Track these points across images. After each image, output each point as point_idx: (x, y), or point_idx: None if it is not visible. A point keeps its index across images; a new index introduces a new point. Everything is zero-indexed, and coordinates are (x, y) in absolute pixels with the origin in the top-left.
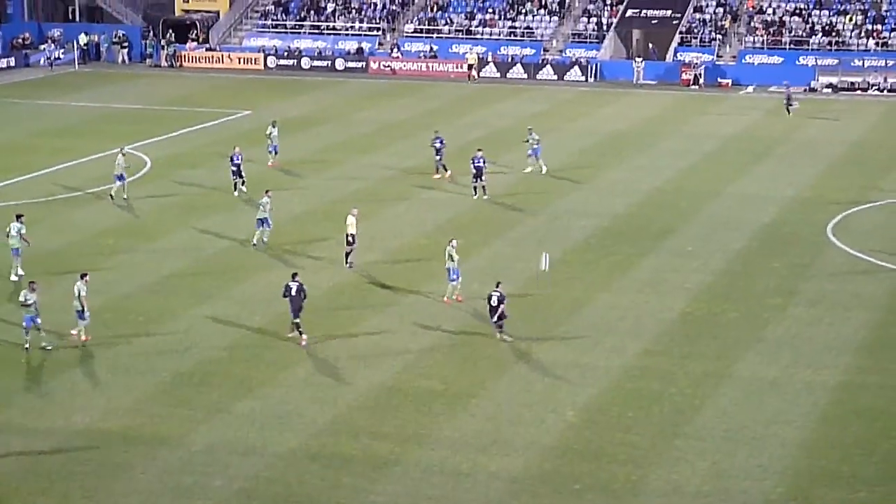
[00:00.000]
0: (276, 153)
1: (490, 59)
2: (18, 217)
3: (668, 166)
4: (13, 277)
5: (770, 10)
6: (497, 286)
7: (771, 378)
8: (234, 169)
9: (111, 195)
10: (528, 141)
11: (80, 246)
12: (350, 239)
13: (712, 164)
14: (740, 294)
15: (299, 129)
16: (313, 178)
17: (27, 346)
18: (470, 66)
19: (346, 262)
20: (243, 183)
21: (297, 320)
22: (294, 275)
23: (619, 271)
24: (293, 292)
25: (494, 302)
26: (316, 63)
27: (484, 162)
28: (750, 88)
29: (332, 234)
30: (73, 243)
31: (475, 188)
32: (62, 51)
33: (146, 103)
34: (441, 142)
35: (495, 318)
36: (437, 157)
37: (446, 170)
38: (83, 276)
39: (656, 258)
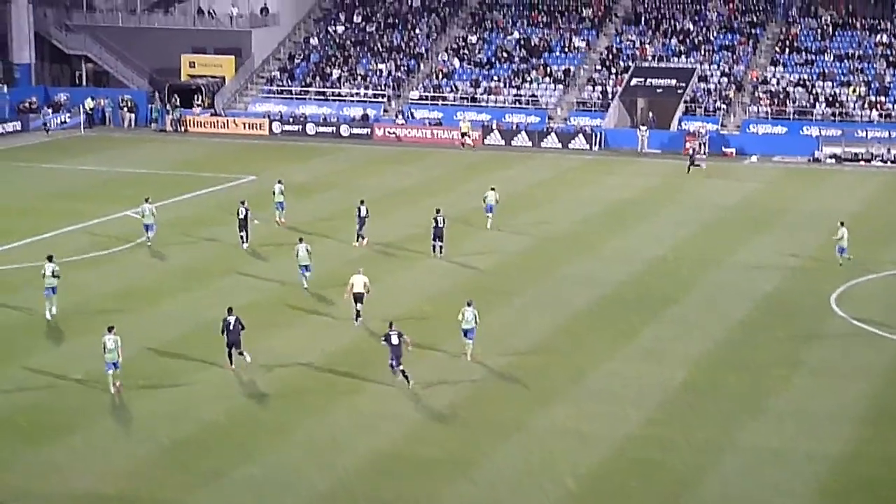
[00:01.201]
0: (282, 209)
1: (495, 126)
2: (50, 258)
3: (670, 235)
4: (48, 316)
5: (774, 81)
6: (391, 326)
7: (773, 448)
8: (240, 222)
9: (148, 244)
10: (485, 200)
11: (83, 309)
12: (358, 297)
13: (715, 232)
14: (743, 363)
15: (304, 195)
16: (317, 244)
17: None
18: (463, 134)
19: (357, 320)
20: (247, 238)
21: (241, 350)
22: (230, 310)
23: (622, 339)
24: (231, 326)
25: (396, 340)
26: (321, 129)
27: (444, 222)
28: (754, 158)
29: (336, 298)
30: (76, 305)
31: (434, 248)
32: (68, 115)
33: (151, 167)
34: (365, 211)
35: (397, 362)
36: (358, 227)
37: (362, 238)
38: (110, 328)
39: (658, 326)
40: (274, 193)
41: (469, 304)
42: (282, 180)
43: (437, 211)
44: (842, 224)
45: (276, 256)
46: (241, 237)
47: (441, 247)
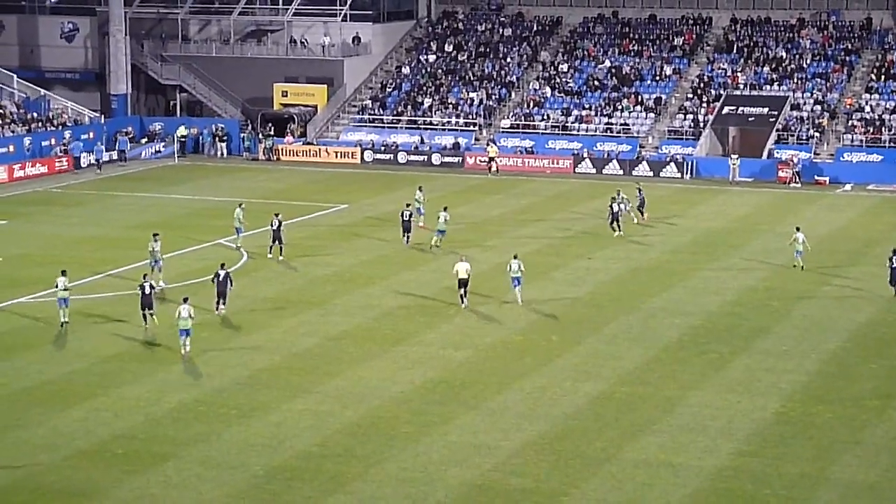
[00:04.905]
0: (422, 214)
1: (586, 155)
2: (185, 300)
3: (761, 265)
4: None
5: (869, 108)
6: (144, 277)
7: (869, 482)
8: (273, 232)
9: (236, 246)
10: (622, 202)
11: (173, 338)
12: (462, 283)
13: (807, 263)
14: (836, 395)
15: (396, 224)
16: (405, 275)
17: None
18: (490, 160)
19: (463, 303)
20: (281, 250)
21: (225, 298)
22: (222, 265)
23: (712, 370)
24: (220, 279)
25: (147, 290)
26: (412, 157)
27: (410, 216)
28: (848, 187)
29: (422, 331)
30: (166, 335)
31: (407, 238)
32: (163, 144)
33: (243, 196)
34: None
35: (150, 309)
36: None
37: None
38: (185, 300)
39: (749, 357)
40: (418, 201)
41: (515, 257)
42: (421, 187)
43: (407, 204)
44: (798, 229)
45: (365, 286)
46: (270, 246)
47: (409, 237)
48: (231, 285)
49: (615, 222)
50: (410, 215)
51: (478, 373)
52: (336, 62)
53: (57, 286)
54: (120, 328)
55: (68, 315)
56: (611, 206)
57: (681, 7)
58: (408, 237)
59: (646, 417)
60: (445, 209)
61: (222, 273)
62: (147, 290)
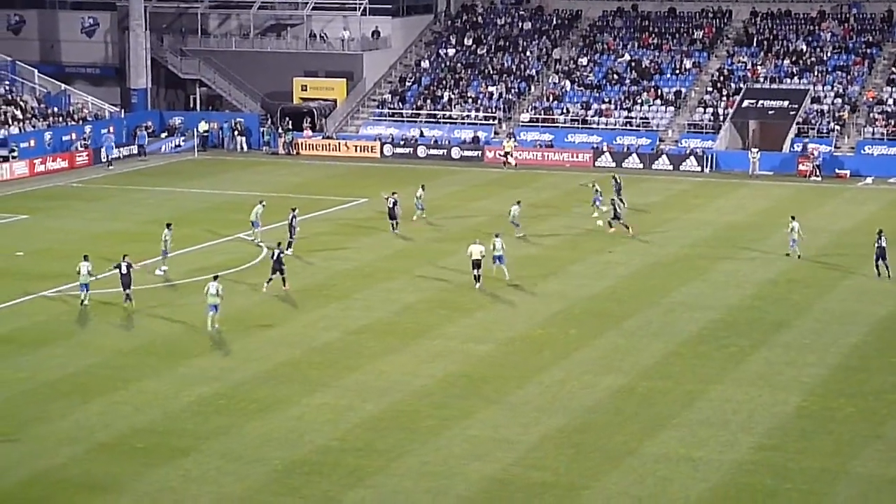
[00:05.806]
0: (422, 210)
1: (605, 148)
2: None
3: (781, 259)
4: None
5: (890, 101)
6: (124, 258)
7: (890, 476)
8: (288, 226)
9: (254, 241)
10: (596, 191)
11: (193, 332)
12: (476, 263)
13: (828, 256)
14: (857, 389)
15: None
16: (425, 268)
17: None
18: (506, 154)
19: (477, 283)
20: (290, 245)
21: (284, 276)
22: (279, 244)
23: (733, 364)
24: (275, 258)
25: (125, 270)
26: (432, 151)
27: (395, 204)
28: (869, 180)
29: (443, 325)
30: (186, 329)
31: (392, 225)
32: (183, 138)
33: (263, 191)
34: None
35: (128, 287)
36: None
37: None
38: (216, 277)
39: (770, 351)
40: (418, 197)
41: (497, 236)
42: (424, 185)
43: (394, 192)
44: (793, 218)
45: (385, 280)
46: (288, 243)
47: (396, 224)
48: (283, 264)
49: (621, 222)
50: (395, 203)
51: (498, 367)
52: (355, 56)
53: (80, 272)
54: (140, 322)
55: (88, 299)
56: (614, 207)
57: (700, 0)
58: (394, 224)
59: (666, 411)
60: (518, 203)
61: (276, 252)
62: (125, 270)
